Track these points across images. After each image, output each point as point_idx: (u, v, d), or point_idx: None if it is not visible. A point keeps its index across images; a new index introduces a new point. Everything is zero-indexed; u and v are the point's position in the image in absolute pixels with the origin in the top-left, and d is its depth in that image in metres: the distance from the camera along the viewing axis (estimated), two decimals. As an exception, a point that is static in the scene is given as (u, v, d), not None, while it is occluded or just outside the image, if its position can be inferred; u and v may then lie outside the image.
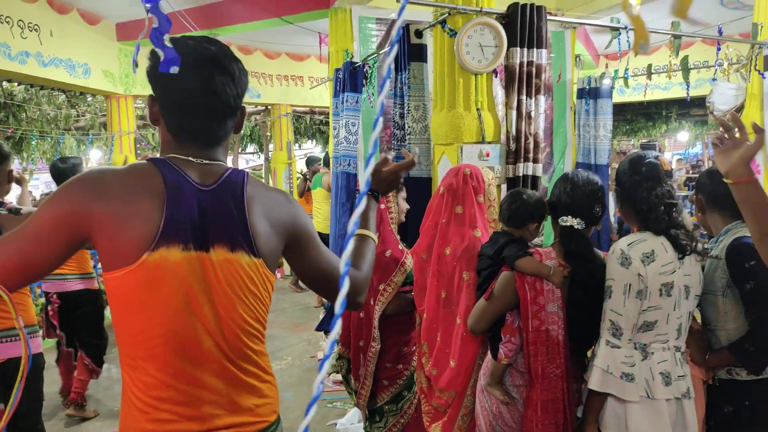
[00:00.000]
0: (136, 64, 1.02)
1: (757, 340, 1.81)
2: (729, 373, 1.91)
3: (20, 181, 3.58)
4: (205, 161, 1.21)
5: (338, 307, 0.55)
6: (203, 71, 1.15)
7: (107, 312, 4.29)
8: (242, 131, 1.39)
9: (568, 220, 1.97)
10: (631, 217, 1.92)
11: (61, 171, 3.95)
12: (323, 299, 4.56)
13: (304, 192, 7.89)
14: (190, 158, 1.20)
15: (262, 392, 1.25)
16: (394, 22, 5.54)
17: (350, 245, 1.41)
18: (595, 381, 1.77)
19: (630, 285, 1.75)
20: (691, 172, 10.82)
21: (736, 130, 1.44)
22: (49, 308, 3.96)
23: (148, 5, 0.95)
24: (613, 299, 1.78)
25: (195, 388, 1.14)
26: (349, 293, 1.32)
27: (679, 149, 15.40)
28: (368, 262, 1.45)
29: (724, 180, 1.45)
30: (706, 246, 3.76)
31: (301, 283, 6.23)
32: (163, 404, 1.12)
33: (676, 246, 1.78)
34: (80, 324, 4.04)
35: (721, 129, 1.49)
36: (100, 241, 1.09)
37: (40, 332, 2.48)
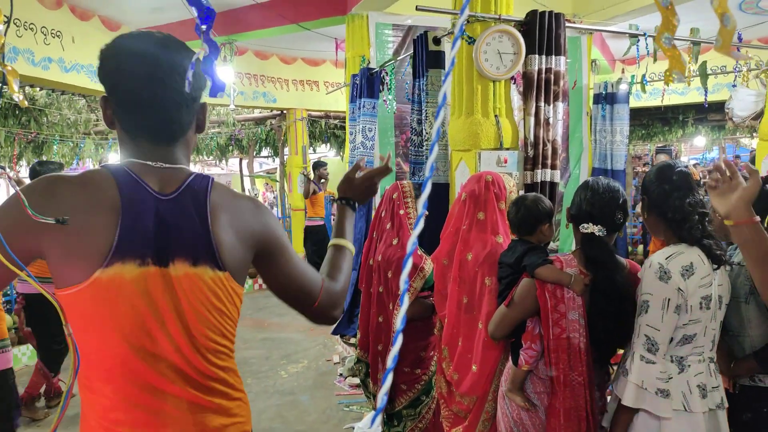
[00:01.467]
0: (190, 83, 0.99)
1: None
2: (752, 380, 1.90)
3: (20, 185, 3.66)
4: (165, 165, 1.13)
5: (390, 361, 0.57)
6: (147, 60, 1.09)
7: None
8: (205, 129, 1.28)
9: (589, 228, 1.97)
10: (660, 227, 1.87)
11: (38, 173, 4.01)
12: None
13: (310, 194, 7.89)
14: (149, 162, 1.12)
15: (230, 411, 1.18)
16: (410, 28, 5.58)
17: (328, 256, 1.39)
18: (629, 397, 1.74)
19: (669, 300, 1.71)
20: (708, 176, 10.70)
21: (729, 174, 1.41)
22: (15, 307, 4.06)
23: (202, 31, 0.95)
24: (650, 314, 1.74)
25: (155, 412, 1.08)
26: (325, 306, 1.31)
27: (695, 154, 15.27)
28: (345, 273, 1.38)
29: (725, 222, 1.42)
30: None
31: None
32: (120, 427, 1.06)
33: (711, 257, 1.75)
34: (40, 327, 4.06)
35: (712, 174, 1.45)
36: (51, 257, 1.03)
37: (10, 346, 2.49)
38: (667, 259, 1.75)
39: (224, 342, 1.17)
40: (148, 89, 1.09)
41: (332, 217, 11.86)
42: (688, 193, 1.78)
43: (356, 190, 1.51)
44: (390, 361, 0.57)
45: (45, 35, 5.84)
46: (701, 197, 1.79)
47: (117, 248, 1.02)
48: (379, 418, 0.56)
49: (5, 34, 1.13)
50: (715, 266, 1.75)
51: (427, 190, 0.63)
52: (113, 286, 1.02)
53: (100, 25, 6.72)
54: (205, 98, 1.17)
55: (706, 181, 1.55)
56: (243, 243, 1.17)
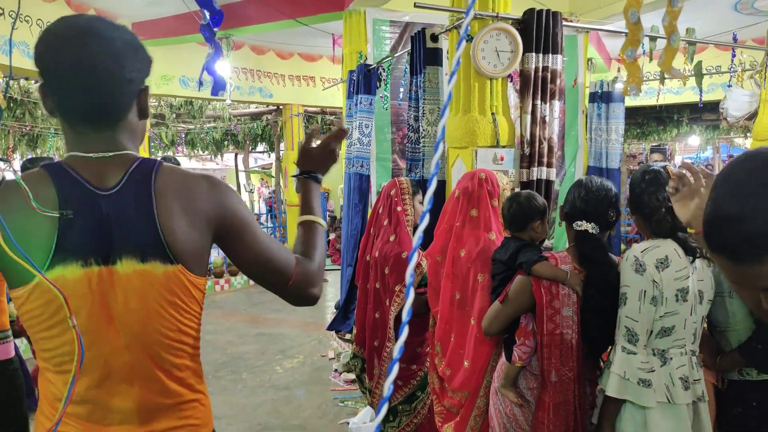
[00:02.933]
0: (201, 84, 0.98)
1: (764, 337, 1.84)
2: (740, 374, 1.94)
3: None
4: (108, 155, 1.09)
5: (396, 351, 0.58)
6: (76, 41, 1.04)
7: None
8: (149, 115, 1.18)
9: (583, 225, 2.00)
10: (640, 223, 1.95)
11: (29, 170, 4.02)
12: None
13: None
14: (90, 154, 1.08)
15: (183, 413, 1.15)
16: (407, 24, 5.58)
17: (299, 234, 1.31)
18: (612, 387, 1.79)
19: (645, 291, 1.78)
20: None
21: (690, 177, 1.37)
22: None
23: (214, 33, 0.95)
24: (628, 306, 1.80)
25: (102, 408, 1.08)
26: (301, 284, 1.23)
27: (689, 153, 15.35)
28: (319, 250, 1.30)
29: (688, 230, 1.38)
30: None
31: None
32: (69, 418, 1.06)
33: (686, 249, 1.81)
34: None
35: (673, 179, 1.40)
36: (3, 265, 1.01)
37: (11, 337, 2.49)
38: (642, 252, 1.81)
39: (182, 338, 1.13)
40: (77, 72, 1.05)
41: (328, 213, 11.90)
42: (658, 189, 1.84)
43: (316, 160, 1.41)
44: (396, 351, 0.58)
45: (40, 27, 5.81)
46: None
47: (56, 250, 1.01)
48: (385, 407, 0.57)
49: (12, 29, 1.13)
50: (691, 259, 1.80)
51: (433, 186, 0.65)
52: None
53: (96, 19, 6.70)
54: (204, 94, 1.15)
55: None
56: (197, 227, 1.12)
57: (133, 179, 1.08)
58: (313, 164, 1.41)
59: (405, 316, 0.60)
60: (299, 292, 1.23)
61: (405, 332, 0.60)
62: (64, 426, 1.06)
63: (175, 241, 1.08)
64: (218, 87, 0.97)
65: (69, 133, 1.11)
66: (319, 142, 1.42)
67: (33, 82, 8.09)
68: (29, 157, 4.15)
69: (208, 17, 0.94)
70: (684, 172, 1.39)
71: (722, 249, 0.78)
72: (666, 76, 5.67)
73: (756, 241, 0.72)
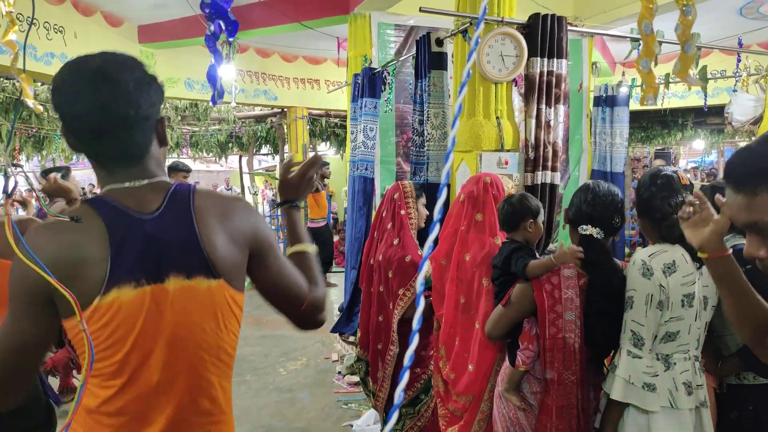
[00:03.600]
0: (214, 101, 0.99)
1: None
2: (737, 378, 1.95)
3: (24, 204, 3.66)
4: (142, 182, 1.14)
5: (407, 359, 0.59)
6: (86, 87, 1.07)
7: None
8: (169, 144, 1.24)
9: (588, 230, 2.00)
10: (647, 228, 1.95)
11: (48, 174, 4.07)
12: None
13: (313, 191, 7.94)
14: (126, 184, 1.13)
15: (211, 429, 1.18)
16: (412, 28, 5.59)
17: (297, 264, 1.34)
18: (617, 391, 1.80)
19: (651, 295, 1.78)
20: (706, 180, 10.76)
21: (700, 204, 1.42)
22: None
23: (230, 43, 0.96)
24: (635, 310, 1.80)
25: (138, 421, 1.11)
26: (312, 309, 1.31)
27: (694, 157, 15.31)
28: (318, 273, 1.38)
29: (699, 255, 1.42)
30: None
31: None
32: (103, 429, 1.10)
33: (694, 255, 1.81)
34: None
35: (684, 207, 1.45)
36: (57, 299, 1.05)
37: None
38: (650, 256, 1.81)
39: (220, 355, 1.17)
40: (92, 117, 1.07)
41: (331, 215, 11.92)
42: (671, 195, 1.85)
43: (293, 189, 1.47)
44: (407, 359, 0.59)
45: (48, 30, 5.86)
46: (684, 199, 1.85)
47: (111, 275, 1.06)
48: (396, 414, 0.58)
49: (27, 35, 1.15)
50: (698, 266, 1.80)
51: (442, 197, 0.66)
52: (113, 309, 1.06)
53: (102, 21, 6.74)
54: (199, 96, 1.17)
55: (703, 184, 1.57)
56: (236, 243, 1.17)
57: (173, 202, 1.14)
58: (292, 193, 1.47)
59: (416, 324, 0.61)
60: (309, 316, 1.31)
61: (415, 341, 0.61)
62: (101, 429, 1.10)
63: (217, 256, 1.13)
64: (219, 95, 0.99)
65: (99, 169, 1.16)
66: (295, 170, 1.47)
67: (40, 84, 8.13)
68: (47, 167, 4.21)
69: (221, 27, 0.95)
70: (694, 200, 1.43)
71: (727, 177, 0.96)
72: (671, 80, 5.67)
73: (754, 174, 0.89)
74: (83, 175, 15.41)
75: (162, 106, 1.19)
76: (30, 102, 1.21)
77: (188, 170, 5.31)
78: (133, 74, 1.11)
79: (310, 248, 1.41)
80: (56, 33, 5.99)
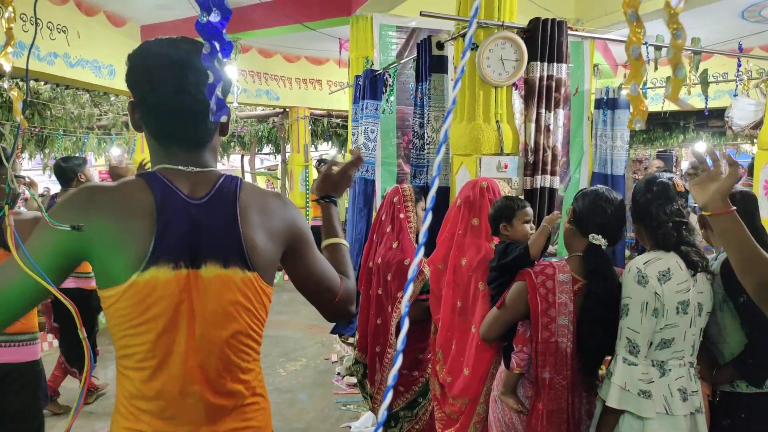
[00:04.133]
0: (212, 112, 1.00)
1: (754, 352, 1.87)
2: (731, 386, 1.97)
3: (31, 185, 3.70)
4: (195, 169, 1.19)
5: (395, 360, 0.60)
6: (175, 71, 1.13)
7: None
8: (228, 134, 1.33)
9: (598, 240, 2.01)
10: (643, 234, 1.96)
11: (63, 169, 4.13)
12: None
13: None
14: (180, 167, 1.17)
15: (246, 415, 1.22)
16: (414, 30, 5.61)
17: (331, 257, 1.42)
18: (613, 398, 1.80)
19: (647, 303, 1.79)
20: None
21: (711, 162, 1.47)
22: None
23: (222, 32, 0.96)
24: (630, 317, 1.81)
25: (176, 406, 1.13)
26: (344, 301, 1.36)
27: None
28: (351, 267, 1.45)
29: (702, 213, 1.47)
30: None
31: None
32: (143, 415, 1.13)
33: (688, 263, 1.83)
34: (66, 324, 4.03)
35: (692, 163, 1.52)
36: (93, 261, 1.10)
37: (38, 339, 2.53)
38: (645, 264, 1.82)
39: (249, 342, 1.21)
40: (175, 100, 1.13)
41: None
42: (666, 203, 1.87)
43: (335, 186, 1.53)
44: (395, 360, 0.60)
45: (51, 30, 5.87)
46: (681, 207, 1.87)
47: (153, 253, 1.08)
48: (384, 415, 0.59)
49: (34, 37, 1.16)
50: (693, 273, 1.82)
51: (434, 187, 0.67)
52: (149, 287, 1.08)
53: (105, 21, 6.75)
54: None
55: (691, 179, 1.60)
56: (273, 240, 1.22)
57: (220, 192, 1.18)
58: (332, 188, 1.53)
59: (403, 326, 0.62)
60: (342, 307, 1.37)
61: (402, 342, 0.63)
62: (138, 423, 1.13)
63: (254, 251, 1.17)
64: (220, 113, 1.00)
65: (158, 148, 1.20)
66: (337, 168, 1.54)
67: (42, 83, 8.16)
68: (61, 158, 4.30)
69: (216, 48, 0.97)
70: (706, 158, 1.47)
71: None
72: (636, 123, 5.68)
73: None
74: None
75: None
76: (18, 117, 1.22)
77: None
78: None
79: (344, 241, 1.47)
80: (59, 33, 6.01)
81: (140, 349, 1.11)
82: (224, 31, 0.93)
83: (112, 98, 9.59)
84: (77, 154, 10.15)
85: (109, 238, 1.07)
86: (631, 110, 0.86)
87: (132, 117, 1.20)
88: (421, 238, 0.70)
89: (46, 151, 9.54)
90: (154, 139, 1.20)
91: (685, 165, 14.76)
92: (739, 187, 2.06)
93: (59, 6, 5.97)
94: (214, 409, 1.16)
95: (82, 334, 0.98)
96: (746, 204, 1.94)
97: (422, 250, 0.69)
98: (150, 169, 1.21)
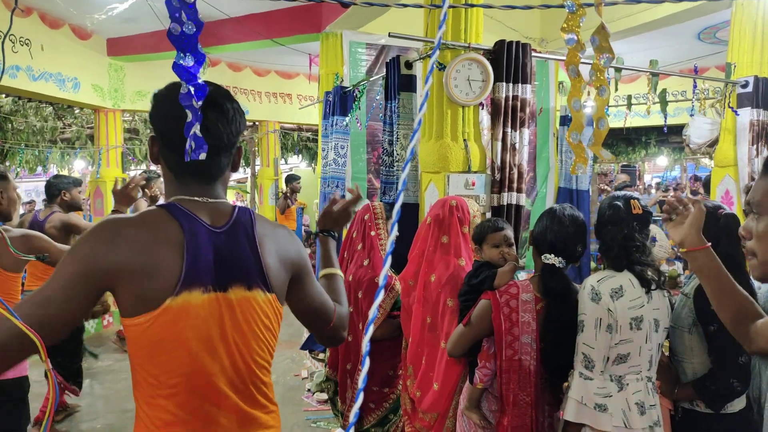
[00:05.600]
0: (189, 151, 1.04)
1: (717, 379, 1.93)
2: (691, 404, 2.03)
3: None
4: (210, 200, 1.27)
5: (361, 381, 0.62)
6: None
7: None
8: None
9: (551, 259, 2.05)
10: (601, 249, 2.04)
11: (49, 186, 4.13)
12: None
13: (285, 209, 8.09)
14: (196, 198, 1.25)
15: (267, 424, 1.31)
16: (383, 47, 5.68)
17: (326, 285, 1.55)
18: (570, 412, 1.86)
19: (600, 319, 1.85)
20: (677, 189, 11.11)
21: (682, 207, 1.57)
22: None
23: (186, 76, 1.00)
24: (585, 333, 1.88)
25: (209, 424, 1.20)
26: (338, 327, 1.45)
27: (658, 172, 15.76)
28: (344, 295, 1.56)
29: (680, 251, 1.54)
30: (680, 278, 3.87)
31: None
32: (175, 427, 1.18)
33: (642, 281, 1.89)
34: (58, 345, 3.97)
35: (666, 208, 1.61)
36: (122, 293, 1.14)
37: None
38: (598, 281, 1.90)
39: (267, 358, 1.31)
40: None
41: (303, 227, 11.90)
42: (615, 228, 1.93)
43: (336, 222, 1.66)
44: (360, 381, 0.63)
45: (13, 43, 5.76)
46: (633, 229, 1.92)
47: (185, 279, 1.15)
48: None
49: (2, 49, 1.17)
50: (646, 290, 1.88)
51: (399, 200, 0.70)
52: (182, 311, 1.15)
53: (70, 34, 6.65)
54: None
55: (662, 206, 1.68)
56: (284, 267, 1.32)
57: (238, 221, 1.28)
58: (332, 224, 1.66)
59: (364, 347, 0.65)
60: (335, 333, 1.47)
61: (367, 363, 0.66)
62: None
63: (271, 275, 1.28)
64: (198, 151, 1.03)
65: (174, 182, 1.28)
66: (338, 205, 1.66)
67: (4, 96, 7.97)
68: (53, 175, 4.29)
69: (190, 90, 1.00)
70: (676, 203, 1.57)
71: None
72: (633, 101, 5.85)
73: None
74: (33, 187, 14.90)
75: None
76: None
77: (159, 176, 5.30)
78: (233, 104, 1.28)
79: (339, 272, 1.59)
80: (22, 45, 5.90)
81: (174, 373, 1.16)
82: (198, 74, 0.96)
83: (77, 111, 9.41)
84: (38, 170, 9.91)
85: (139, 268, 1.12)
86: (574, 158, 0.91)
87: (150, 149, 1.29)
88: (388, 248, 0.73)
89: (7, 164, 9.28)
90: (170, 171, 1.28)
91: (647, 178, 15.21)
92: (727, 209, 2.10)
93: (23, 18, 5.87)
94: (246, 421, 1.25)
95: (48, 365, 0.97)
96: (730, 225, 1.99)
97: (389, 259, 0.73)
98: (168, 201, 1.27)
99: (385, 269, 0.71)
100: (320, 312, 1.43)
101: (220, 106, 1.24)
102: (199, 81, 1.01)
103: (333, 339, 1.49)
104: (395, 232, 0.74)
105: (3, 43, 5.11)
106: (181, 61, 0.97)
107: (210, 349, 1.19)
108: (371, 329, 0.72)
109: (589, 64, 2.09)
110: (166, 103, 1.22)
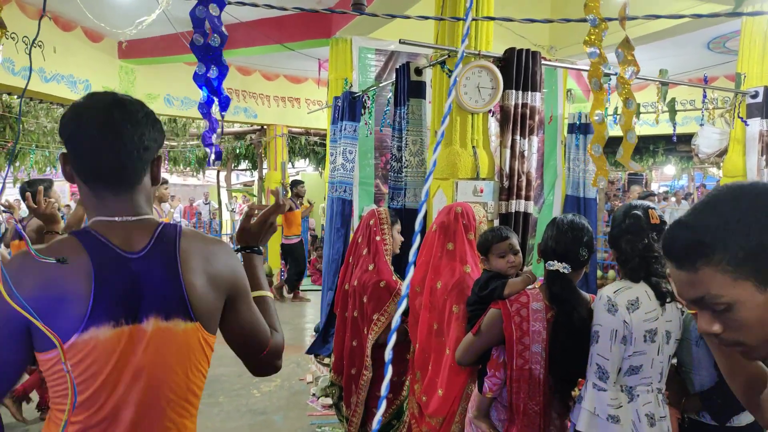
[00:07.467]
0: (210, 163, 1.03)
1: (723, 392, 1.91)
2: (697, 415, 2.03)
3: (11, 209, 3.65)
4: (131, 219, 1.18)
5: (384, 389, 0.62)
6: (102, 111, 1.15)
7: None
8: (160, 180, 1.33)
9: (554, 265, 2.05)
10: (617, 260, 2.01)
11: (22, 192, 4.06)
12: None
13: (286, 210, 8.07)
14: (115, 218, 1.17)
15: None
16: (392, 53, 5.70)
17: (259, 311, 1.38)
18: (583, 423, 1.85)
19: (616, 331, 1.84)
20: (682, 199, 11.07)
21: None
22: None
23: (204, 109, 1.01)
24: (600, 344, 1.86)
25: None
26: (272, 355, 1.34)
27: (665, 181, 15.72)
28: (278, 320, 1.42)
29: (688, 311, 1.47)
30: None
31: None
32: None
33: (658, 293, 1.88)
34: None
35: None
36: (33, 328, 1.07)
37: None
38: (615, 293, 1.88)
39: (188, 396, 1.20)
40: (99, 134, 1.14)
41: (309, 232, 11.94)
42: (635, 237, 1.90)
43: (256, 236, 1.49)
44: (383, 389, 0.63)
45: (26, 45, 5.82)
46: (652, 240, 1.90)
47: (91, 313, 1.08)
48: None
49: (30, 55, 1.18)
50: (661, 302, 1.87)
51: (420, 217, 0.70)
52: (88, 347, 1.08)
53: (82, 36, 6.72)
54: (189, 113, 1.20)
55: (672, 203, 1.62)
56: (215, 288, 1.21)
57: (159, 242, 1.18)
58: (252, 239, 1.48)
59: (387, 354, 0.65)
60: (269, 361, 1.34)
61: (390, 371, 0.64)
62: None
63: (196, 299, 1.17)
64: (216, 158, 1.03)
65: (90, 197, 1.19)
66: (256, 218, 1.49)
67: (15, 97, 8.05)
68: (26, 181, 4.26)
69: (209, 99, 1.00)
70: None
71: (667, 255, 0.91)
72: (642, 110, 5.84)
73: (692, 248, 0.85)
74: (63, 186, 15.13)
75: (161, 149, 1.25)
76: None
77: (166, 182, 5.32)
78: (143, 108, 1.20)
79: (268, 293, 1.44)
80: (35, 47, 5.96)
81: (81, 407, 1.10)
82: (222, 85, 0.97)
83: (87, 112, 9.48)
84: (47, 171, 9.98)
85: (45, 305, 1.05)
86: (596, 171, 0.91)
87: (63, 168, 1.20)
88: (411, 257, 0.73)
89: (17, 164, 9.37)
90: (83, 183, 1.19)
91: (654, 187, 15.17)
92: None
93: (36, 20, 5.93)
94: None
95: (66, 366, 0.98)
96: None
97: (413, 269, 0.73)
98: (85, 224, 1.20)
99: (408, 278, 0.71)
100: (254, 339, 1.30)
101: (126, 107, 1.17)
102: (224, 93, 1.01)
103: (266, 368, 1.36)
104: (418, 241, 0.74)
105: (30, 50, 5.16)
106: (204, 71, 0.97)
107: (116, 384, 1.11)
108: (393, 337, 0.72)
109: (608, 75, 2.09)
110: (74, 111, 1.17)
